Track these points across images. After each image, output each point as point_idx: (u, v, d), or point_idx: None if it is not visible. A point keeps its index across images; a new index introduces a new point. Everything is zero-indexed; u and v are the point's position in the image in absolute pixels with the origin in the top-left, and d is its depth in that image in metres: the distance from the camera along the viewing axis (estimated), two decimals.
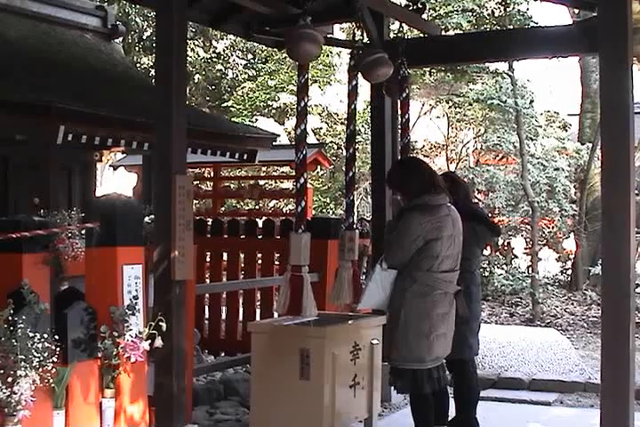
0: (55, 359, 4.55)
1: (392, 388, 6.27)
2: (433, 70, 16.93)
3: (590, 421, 5.82)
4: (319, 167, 18.35)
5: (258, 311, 9.79)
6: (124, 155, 15.18)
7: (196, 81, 22.05)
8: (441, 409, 6.25)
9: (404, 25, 8.13)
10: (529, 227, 15.32)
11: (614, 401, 5.24)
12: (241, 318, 9.79)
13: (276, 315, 9.18)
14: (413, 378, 5.86)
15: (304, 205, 6.07)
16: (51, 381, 4.59)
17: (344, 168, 7.41)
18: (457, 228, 5.94)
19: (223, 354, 9.55)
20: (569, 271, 16.73)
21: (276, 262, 9.94)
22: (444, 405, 6.33)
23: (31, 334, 4.43)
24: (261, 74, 22.43)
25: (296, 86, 6.23)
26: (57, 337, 4.64)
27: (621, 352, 5.21)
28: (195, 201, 10.02)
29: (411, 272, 5.81)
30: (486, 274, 14.82)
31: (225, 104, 22.44)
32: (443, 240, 5.80)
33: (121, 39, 14.05)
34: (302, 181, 6.08)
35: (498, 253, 16.42)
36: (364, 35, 7.41)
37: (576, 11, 14.33)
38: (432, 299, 5.81)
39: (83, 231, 5.54)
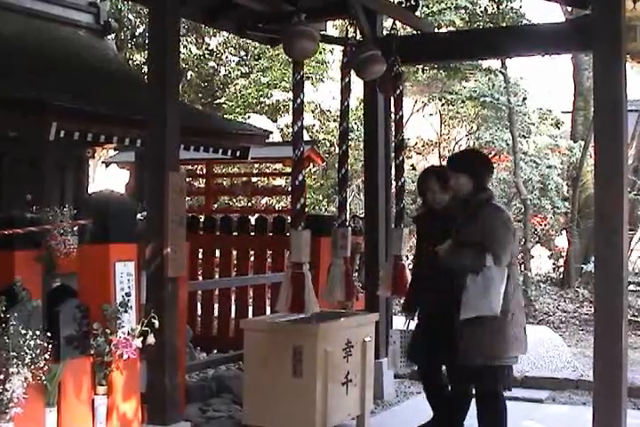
0: (47, 357, 4.54)
1: (471, 390, 6.13)
2: (426, 68, 16.92)
3: (583, 418, 5.82)
4: (312, 164, 18.33)
5: (250, 308, 9.80)
6: (117, 151, 15.15)
7: (188, 78, 21.98)
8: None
9: (397, 22, 8.12)
10: (521, 224, 15.34)
11: (607, 399, 5.25)
12: (233, 315, 9.79)
13: (268, 311, 9.23)
14: (505, 375, 5.85)
15: (303, 202, 6.06)
16: (43, 378, 4.57)
17: (337, 165, 7.41)
18: None
19: (215, 351, 9.55)
20: (561, 269, 16.76)
21: (269, 260, 9.94)
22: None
23: (23, 332, 4.41)
24: (254, 71, 22.35)
25: (292, 84, 6.22)
26: (49, 334, 4.62)
27: (614, 350, 5.21)
28: (187, 198, 10.00)
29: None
30: None
31: (218, 101, 22.37)
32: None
33: (113, 36, 14.02)
34: (301, 178, 6.07)
35: None
36: (357, 32, 7.41)
37: (569, 8, 14.33)
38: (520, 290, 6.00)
39: (75, 228, 5.53)
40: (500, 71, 15.06)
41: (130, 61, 19.82)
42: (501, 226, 5.79)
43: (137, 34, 20.76)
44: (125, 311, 5.16)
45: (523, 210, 14.88)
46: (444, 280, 6.02)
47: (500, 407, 5.86)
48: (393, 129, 7.61)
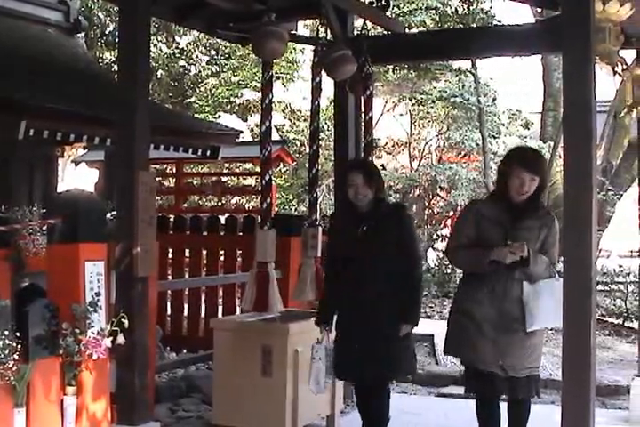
0: (16, 357, 4.51)
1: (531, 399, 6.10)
2: (396, 68, 16.96)
3: (551, 417, 5.84)
4: (282, 164, 18.34)
5: (220, 308, 9.78)
6: (86, 150, 15.08)
7: (158, 77, 21.91)
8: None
9: (367, 22, 8.13)
10: None
11: (575, 398, 5.26)
12: (203, 314, 9.77)
13: (238, 311, 9.22)
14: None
15: (269, 201, 6.06)
16: (11, 378, 4.54)
17: (307, 165, 7.41)
18: None
19: (185, 351, 9.53)
20: None
21: (239, 259, 9.93)
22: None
23: None
24: (224, 70, 22.33)
25: (261, 83, 6.23)
26: (18, 334, 4.59)
27: (582, 349, 5.23)
28: (157, 197, 9.97)
29: None
30: (448, 271, 14.87)
31: (188, 100, 22.32)
32: None
33: (83, 34, 13.95)
34: (268, 177, 6.07)
35: None
36: (328, 32, 7.41)
37: (539, 10, 14.41)
38: None
39: (44, 227, 5.49)
40: (470, 72, 15.13)
41: (100, 60, 19.73)
42: (553, 235, 5.77)
43: (107, 32, 20.69)
44: (95, 311, 5.12)
45: None
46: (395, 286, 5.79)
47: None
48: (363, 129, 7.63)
